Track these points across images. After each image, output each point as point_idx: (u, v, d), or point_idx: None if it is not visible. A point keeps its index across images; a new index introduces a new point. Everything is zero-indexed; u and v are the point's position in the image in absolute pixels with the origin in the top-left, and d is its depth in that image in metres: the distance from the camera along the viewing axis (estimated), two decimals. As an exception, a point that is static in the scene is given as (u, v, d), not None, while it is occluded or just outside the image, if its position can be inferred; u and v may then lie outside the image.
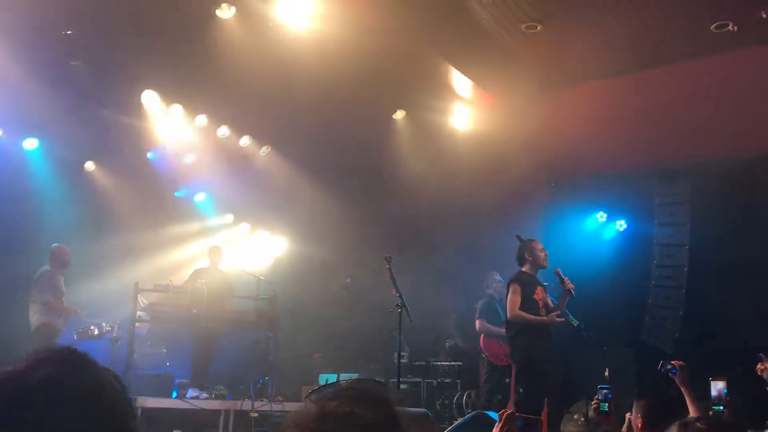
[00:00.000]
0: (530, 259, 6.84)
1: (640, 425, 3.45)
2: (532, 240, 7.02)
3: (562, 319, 6.73)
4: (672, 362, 4.18)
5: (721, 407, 3.86)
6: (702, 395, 4.27)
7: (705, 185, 9.54)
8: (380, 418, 1.19)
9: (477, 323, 8.92)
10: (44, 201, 9.41)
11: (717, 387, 3.90)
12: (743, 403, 4.69)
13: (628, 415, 4.26)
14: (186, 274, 9.55)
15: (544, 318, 6.68)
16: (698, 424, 1.95)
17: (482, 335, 8.92)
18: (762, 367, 4.04)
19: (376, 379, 9.13)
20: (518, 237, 7.08)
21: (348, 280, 10.84)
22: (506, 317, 6.91)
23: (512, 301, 6.69)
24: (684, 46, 7.90)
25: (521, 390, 6.56)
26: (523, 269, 6.88)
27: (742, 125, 8.50)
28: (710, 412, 3.90)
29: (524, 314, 6.66)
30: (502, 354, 8.72)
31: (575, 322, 7.59)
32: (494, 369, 8.81)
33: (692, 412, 3.83)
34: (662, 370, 4.20)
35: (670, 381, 4.17)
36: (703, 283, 9.83)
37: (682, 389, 4.03)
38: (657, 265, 10.34)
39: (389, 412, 1.22)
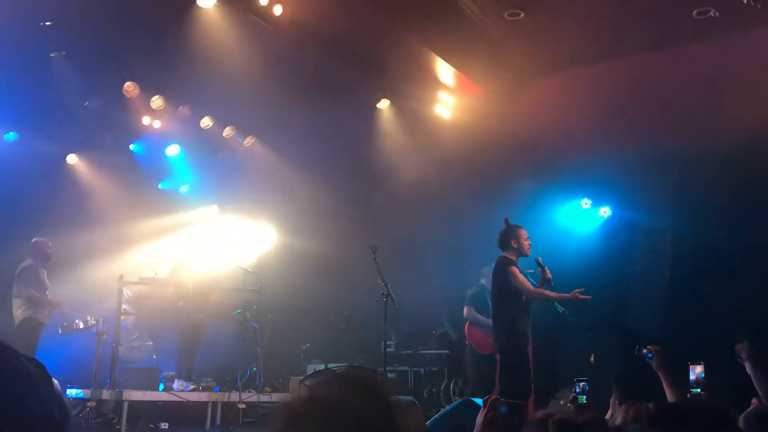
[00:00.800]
0: (515, 246, 6.79)
1: (615, 410, 3.49)
2: (520, 227, 6.94)
3: (588, 297, 6.55)
4: (648, 347, 4.22)
5: (699, 390, 3.91)
6: (686, 380, 4.32)
7: (690, 172, 9.60)
8: (371, 404, 1.19)
9: (465, 309, 8.93)
10: (26, 194, 9.31)
11: (695, 371, 3.96)
12: (728, 387, 4.75)
13: (612, 400, 4.29)
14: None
15: (568, 295, 6.56)
16: (649, 406, 1.98)
17: (468, 322, 8.94)
18: (741, 347, 4.09)
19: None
20: (506, 221, 7.02)
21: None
22: (497, 301, 6.83)
23: (522, 282, 6.61)
24: (666, 33, 7.92)
25: (509, 378, 6.59)
26: (507, 255, 6.83)
27: (726, 112, 8.55)
28: (688, 396, 3.95)
29: (545, 291, 6.61)
30: (485, 343, 8.74)
31: (560, 309, 7.63)
32: (479, 357, 8.83)
33: (669, 396, 3.87)
34: (638, 355, 4.24)
35: (649, 366, 4.20)
36: (688, 270, 9.90)
37: (660, 373, 4.07)
38: (641, 251, 10.41)
39: (381, 399, 1.22)
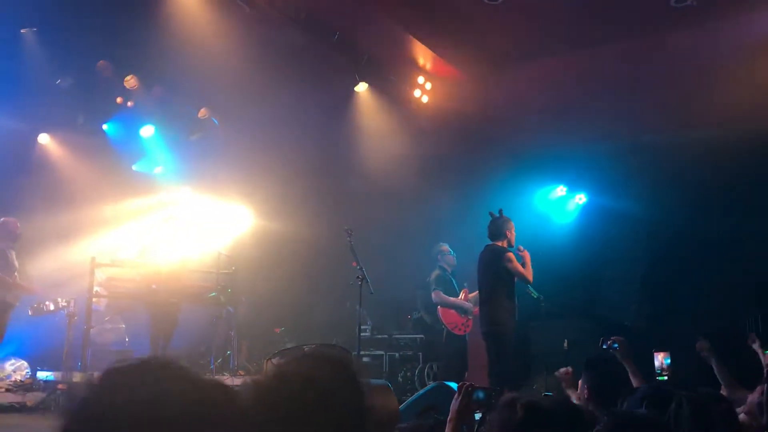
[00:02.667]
0: (509, 236, 7.04)
1: (586, 396, 3.52)
2: (510, 220, 7.20)
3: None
4: (612, 338, 4.29)
5: (665, 377, 3.98)
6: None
7: (665, 159, 9.68)
8: (339, 382, 1.17)
9: (433, 295, 8.95)
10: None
11: (659, 358, 4.03)
12: (701, 374, 4.79)
13: (581, 381, 4.34)
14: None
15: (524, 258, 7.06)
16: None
17: (438, 306, 8.94)
18: (700, 346, 4.16)
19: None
20: (500, 212, 7.18)
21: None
22: (490, 287, 6.96)
23: (518, 267, 6.89)
24: (645, 21, 7.93)
25: (506, 362, 6.75)
26: (499, 244, 7.04)
27: (703, 100, 8.61)
28: (654, 382, 4.01)
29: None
30: (460, 323, 8.80)
31: (535, 295, 7.70)
32: (454, 339, 8.85)
33: (635, 384, 3.91)
34: (604, 346, 4.30)
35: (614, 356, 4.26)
36: (662, 257, 10.02)
37: (625, 363, 4.13)
38: (616, 238, 10.50)
39: (349, 377, 1.20)
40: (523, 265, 6.98)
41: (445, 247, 9.04)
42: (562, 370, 4.40)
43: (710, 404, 2.35)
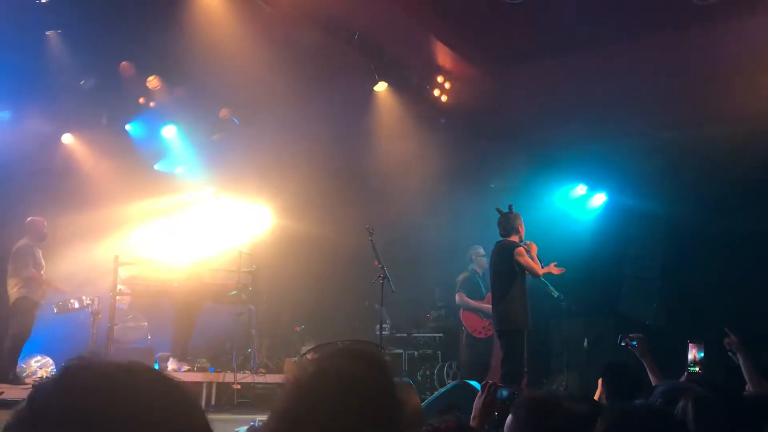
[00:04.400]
0: (520, 231, 7.00)
1: (604, 400, 3.51)
2: (518, 214, 7.13)
3: (562, 269, 7.07)
4: (631, 335, 4.28)
5: (696, 369, 3.97)
6: (678, 364, 4.35)
7: (686, 157, 9.62)
8: (377, 377, 1.20)
9: (457, 297, 8.99)
10: (21, 174, 9.26)
11: (693, 350, 4.02)
12: (720, 373, 4.78)
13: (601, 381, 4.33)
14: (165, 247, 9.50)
15: (546, 269, 7.02)
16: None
17: (461, 309, 8.99)
18: (729, 341, 4.13)
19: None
20: (509, 208, 7.12)
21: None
22: (501, 283, 6.93)
23: (529, 261, 6.84)
24: (666, 19, 7.89)
25: (509, 362, 6.70)
26: (511, 239, 7.00)
27: (724, 98, 8.54)
28: (686, 373, 4.00)
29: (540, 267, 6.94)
30: (480, 327, 8.79)
31: (555, 293, 7.68)
32: (476, 340, 8.88)
33: (654, 382, 3.91)
34: (622, 343, 4.29)
35: (637, 359, 4.26)
36: (681, 255, 9.96)
37: (643, 361, 4.12)
38: (636, 236, 10.45)
39: (385, 373, 1.23)
40: (531, 259, 6.93)
41: (480, 250, 9.04)
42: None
43: (715, 404, 2.36)
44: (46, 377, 0.91)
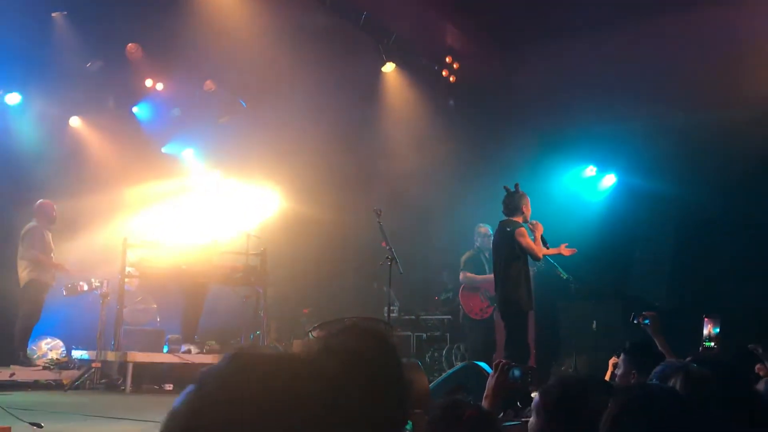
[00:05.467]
0: (525, 212, 6.83)
1: (634, 379, 3.46)
2: (526, 194, 6.95)
3: (574, 249, 6.98)
4: (644, 313, 4.21)
5: (712, 344, 3.93)
6: (690, 347, 4.31)
7: (696, 139, 9.53)
8: (385, 355, 1.17)
9: (461, 275, 8.92)
10: (28, 157, 9.27)
11: (708, 325, 3.98)
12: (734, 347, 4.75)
13: (611, 360, 4.30)
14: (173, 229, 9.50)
15: (556, 249, 6.94)
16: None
17: (462, 288, 8.92)
18: (760, 368, 4.05)
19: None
20: (516, 187, 6.95)
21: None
22: (502, 264, 6.82)
23: (530, 242, 6.64)
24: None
25: (511, 343, 6.63)
26: (514, 219, 6.83)
27: (736, 80, 8.45)
28: (701, 349, 3.96)
29: (544, 250, 6.79)
30: (478, 309, 8.73)
31: (564, 275, 7.63)
32: (473, 322, 8.84)
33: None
34: (635, 321, 4.24)
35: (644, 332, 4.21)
36: (692, 237, 9.90)
37: (655, 339, 4.07)
38: (646, 218, 10.39)
39: (390, 349, 1.21)
40: (534, 240, 6.73)
41: (484, 228, 8.90)
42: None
43: (703, 382, 2.33)
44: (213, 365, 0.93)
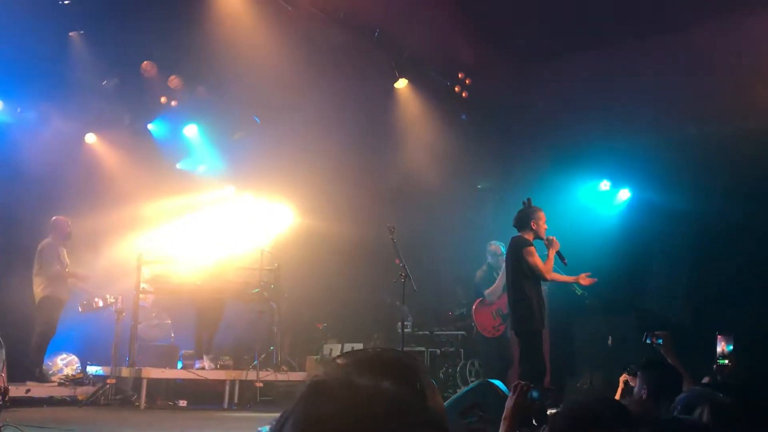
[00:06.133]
0: (535, 227, 6.70)
1: (644, 396, 3.44)
2: (540, 209, 6.82)
3: (594, 279, 6.72)
4: (657, 333, 4.19)
5: (726, 361, 3.90)
6: (705, 361, 4.28)
7: (712, 154, 9.48)
8: (406, 389, 1.16)
9: (486, 292, 8.83)
10: (45, 173, 9.36)
11: (722, 342, 3.96)
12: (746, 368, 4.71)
13: (622, 378, 4.27)
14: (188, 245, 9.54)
15: (574, 278, 6.71)
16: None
17: (475, 304, 8.87)
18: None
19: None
20: (528, 201, 6.86)
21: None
22: (512, 282, 6.74)
23: (537, 262, 6.48)
24: (692, 12, 7.78)
25: (525, 360, 6.56)
26: (523, 235, 6.74)
27: (750, 93, 8.41)
28: (714, 366, 3.93)
29: (556, 275, 6.62)
30: (490, 326, 8.67)
31: (578, 291, 7.56)
32: (486, 339, 8.80)
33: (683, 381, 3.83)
34: (647, 341, 4.21)
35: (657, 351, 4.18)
36: (708, 251, 9.81)
37: (669, 359, 4.04)
38: (661, 232, 10.32)
39: (416, 385, 1.19)
40: (545, 257, 6.57)
41: (494, 246, 8.84)
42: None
43: (729, 413, 2.30)
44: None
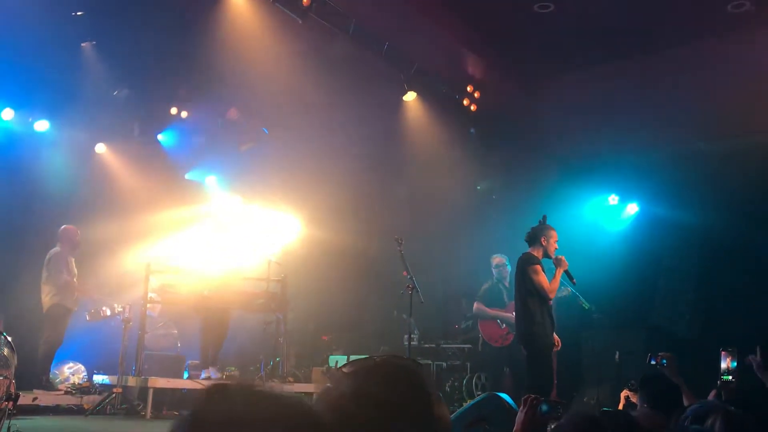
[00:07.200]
0: (544, 244, 6.69)
1: (643, 407, 3.45)
2: (552, 228, 6.80)
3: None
4: (660, 354, 4.19)
5: (730, 378, 3.89)
6: (711, 376, 4.26)
7: (720, 168, 9.47)
8: (412, 397, 1.17)
9: (474, 305, 8.94)
10: (54, 183, 9.41)
11: (726, 359, 3.94)
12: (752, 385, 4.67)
13: (623, 393, 4.27)
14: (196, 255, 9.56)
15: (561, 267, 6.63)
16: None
17: (479, 317, 8.92)
18: (753, 360, 4.02)
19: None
20: (543, 219, 6.85)
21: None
22: (519, 298, 6.73)
23: (542, 281, 6.48)
24: (701, 27, 7.79)
25: (532, 374, 6.54)
26: (532, 251, 6.74)
27: (758, 108, 8.41)
28: (718, 382, 3.92)
29: (554, 284, 6.57)
30: (497, 336, 8.69)
31: (586, 305, 7.56)
32: (493, 349, 8.80)
33: (687, 400, 3.83)
34: (652, 361, 4.21)
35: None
36: (715, 266, 9.78)
37: (673, 380, 4.03)
38: (669, 247, 10.29)
39: (422, 391, 1.20)
40: (552, 276, 6.56)
41: (497, 258, 8.88)
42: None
43: (742, 424, 2.30)
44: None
